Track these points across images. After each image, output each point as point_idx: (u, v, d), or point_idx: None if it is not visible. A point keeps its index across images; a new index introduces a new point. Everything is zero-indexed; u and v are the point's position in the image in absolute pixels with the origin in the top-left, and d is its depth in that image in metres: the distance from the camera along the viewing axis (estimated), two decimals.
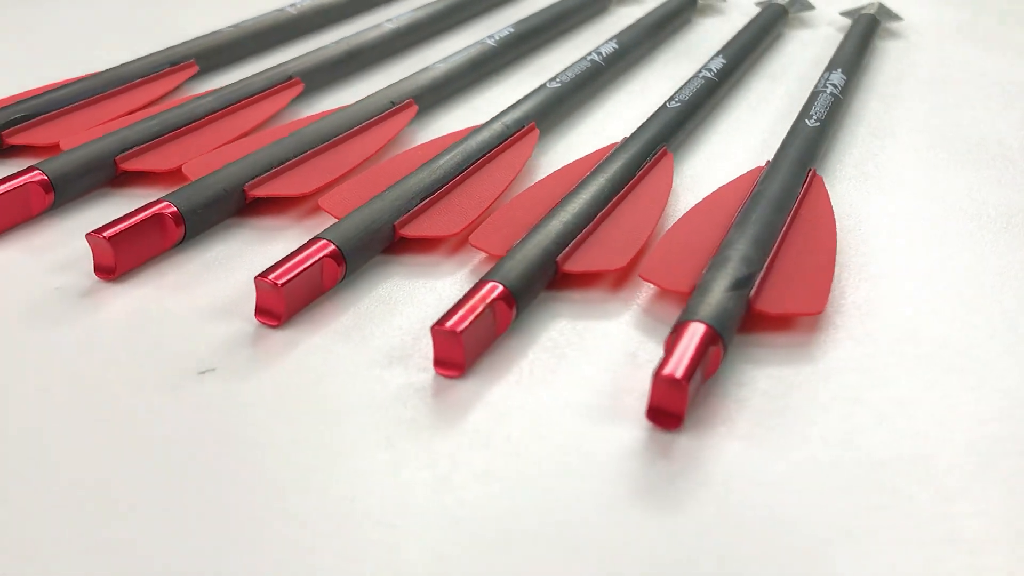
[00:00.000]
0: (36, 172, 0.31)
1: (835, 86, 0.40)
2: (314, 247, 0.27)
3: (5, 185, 0.30)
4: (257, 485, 0.22)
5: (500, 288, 0.26)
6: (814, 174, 0.34)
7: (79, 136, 0.34)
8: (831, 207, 0.32)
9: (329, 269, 0.27)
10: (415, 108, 0.37)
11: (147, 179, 0.33)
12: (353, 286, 0.29)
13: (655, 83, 0.44)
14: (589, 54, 0.42)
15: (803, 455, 0.23)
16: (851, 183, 0.35)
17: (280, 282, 0.26)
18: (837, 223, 0.32)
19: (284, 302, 0.26)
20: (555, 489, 0.22)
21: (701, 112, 0.39)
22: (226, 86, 0.37)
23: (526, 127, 0.36)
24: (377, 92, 0.38)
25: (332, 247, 0.28)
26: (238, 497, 0.21)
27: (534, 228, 0.29)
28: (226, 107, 0.36)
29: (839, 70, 0.41)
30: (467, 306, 0.26)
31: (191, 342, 0.26)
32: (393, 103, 0.37)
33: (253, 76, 0.39)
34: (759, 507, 0.22)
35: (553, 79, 0.39)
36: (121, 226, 0.28)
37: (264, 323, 0.27)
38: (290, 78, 0.39)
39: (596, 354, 0.26)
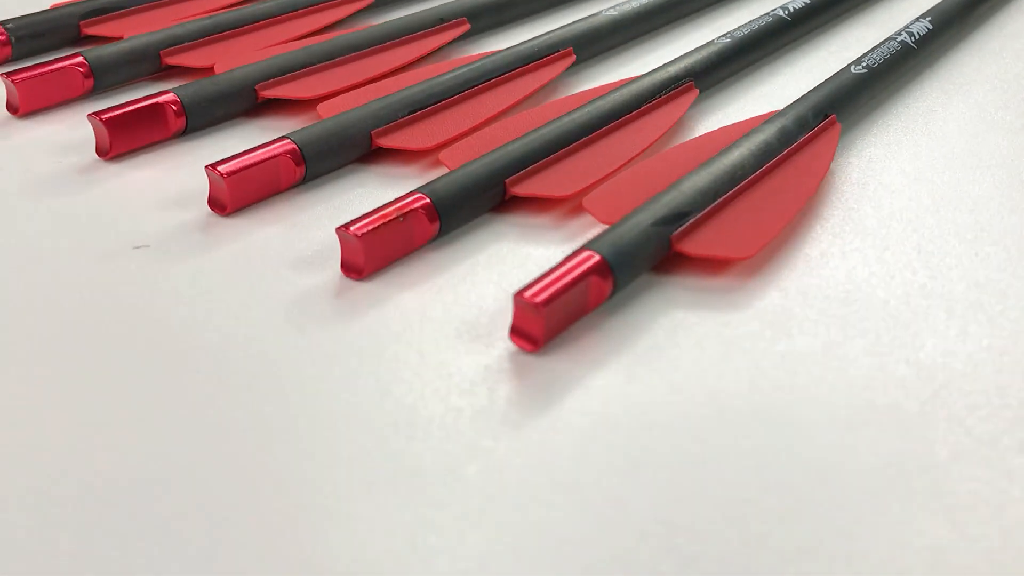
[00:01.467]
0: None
1: (912, 35, 0.37)
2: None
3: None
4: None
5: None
6: (833, 121, 0.32)
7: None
8: (831, 157, 0.30)
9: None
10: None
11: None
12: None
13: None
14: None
15: (663, 398, 0.22)
16: (884, 136, 0.33)
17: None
18: (846, 176, 0.30)
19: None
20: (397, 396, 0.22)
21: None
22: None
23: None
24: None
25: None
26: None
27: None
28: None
29: (927, 19, 0.38)
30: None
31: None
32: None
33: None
34: (599, 439, 0.21)
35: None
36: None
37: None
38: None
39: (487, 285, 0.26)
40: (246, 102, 0.33)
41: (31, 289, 0.26)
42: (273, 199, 0.29)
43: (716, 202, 0.27)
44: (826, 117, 0.32)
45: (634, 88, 0.32)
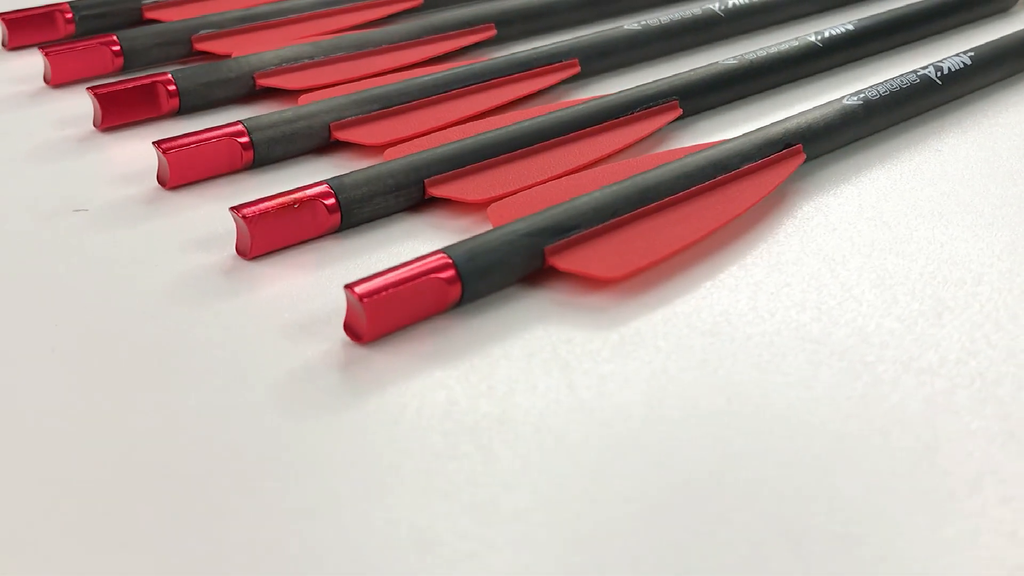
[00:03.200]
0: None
1: (941, 69, 0.34)
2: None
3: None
4: None
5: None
6: (797, 151, 0.30)
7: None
8: (771, 187, 0.29)
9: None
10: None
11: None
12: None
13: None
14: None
15: (462, 405, 0.22)
16: (865, 172, 0.31)
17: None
18: (794, 209, 0.29)
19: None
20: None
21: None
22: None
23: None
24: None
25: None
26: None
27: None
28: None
29: (968, 54, 0.35)
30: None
31: None
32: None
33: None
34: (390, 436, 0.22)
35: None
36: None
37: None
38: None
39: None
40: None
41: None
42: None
43: (611, 220, 0.27)
44: (789, 146, 0.30)
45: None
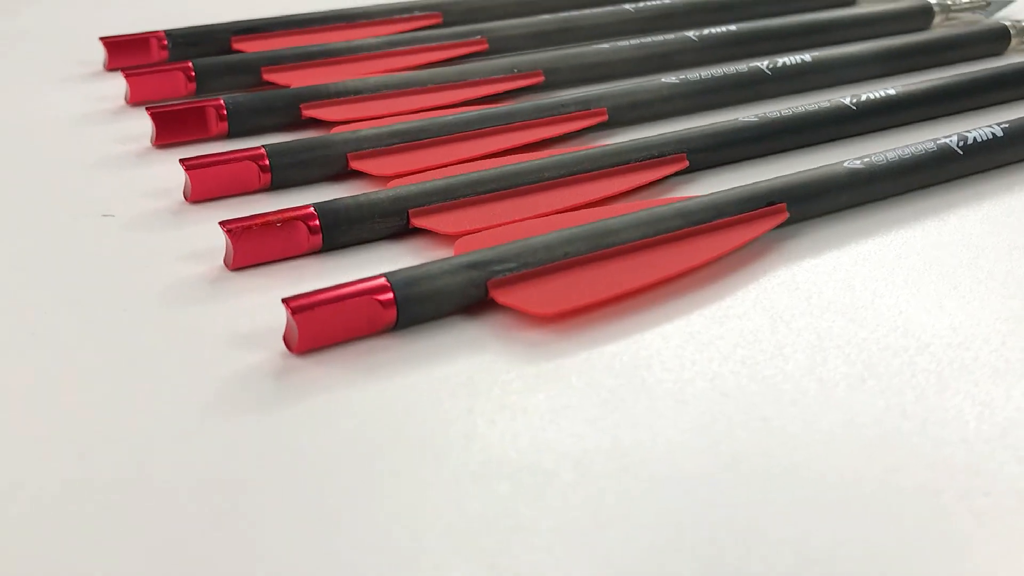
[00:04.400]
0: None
1: (964, 140, 0.34)
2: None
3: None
4: None
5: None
6: (780, 209, 0.30)
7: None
8: (741, 242, 0.29)
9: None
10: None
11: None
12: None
13: None
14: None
15: (355, 425, 0.24)
16: (858, 237, 0.31)
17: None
18: (763, 267, 0.29)
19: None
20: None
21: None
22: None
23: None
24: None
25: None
26: None
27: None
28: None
29: (1001, 125, 0.35)
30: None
31: None
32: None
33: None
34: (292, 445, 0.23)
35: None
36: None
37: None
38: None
39: None
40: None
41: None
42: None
43: (560, 260, 0.28)
44: (772, 204, 0.30)
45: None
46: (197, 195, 0.33)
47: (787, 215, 0.30)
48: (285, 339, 0.26)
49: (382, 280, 0.26)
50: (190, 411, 0.24)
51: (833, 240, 0.31)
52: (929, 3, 0.47)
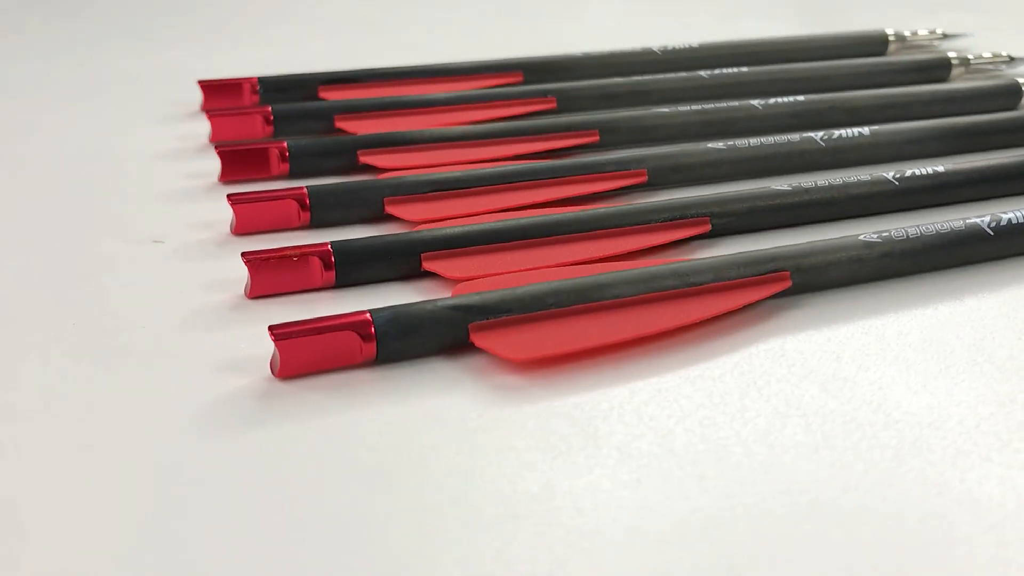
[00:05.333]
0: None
1: (999, 220, 0.33)
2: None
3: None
4: None
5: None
6: (783, 277, 0.30)
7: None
8: (733, 307, 0.30)
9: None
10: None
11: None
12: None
13: None
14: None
15: (325, 444, 0.25)
16: (865, 315, 0.31)
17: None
18: (753, 335, 0.29)
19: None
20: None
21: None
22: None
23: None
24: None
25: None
26: None
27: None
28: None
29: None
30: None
31: None
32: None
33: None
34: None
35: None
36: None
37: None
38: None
39: None
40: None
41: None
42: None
43: (544, 310, 0.28)
44: (776, 271, 0.30)
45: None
46: (241, 228, 0.35)
47: (790, 283, 0.30)
48: (271, 365, 0.27)
49: (366, 316, 0.27)
50: (167, 426, 0.26)
51: (837, 312, 0.31)
52: (1018, 83, 0.46)
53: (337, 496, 0.23)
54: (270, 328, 0.27)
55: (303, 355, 0.27)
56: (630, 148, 0.41)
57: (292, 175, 0.39)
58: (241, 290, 0.32)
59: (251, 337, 0.29)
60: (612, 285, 0.29)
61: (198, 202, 0.38)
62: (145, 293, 0.32)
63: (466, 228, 0.33)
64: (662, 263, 0.31)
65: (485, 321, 0.28)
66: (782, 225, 0.35)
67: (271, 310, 0.31)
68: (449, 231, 0.33)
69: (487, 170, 0.37)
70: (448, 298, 0.28)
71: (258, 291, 0.31)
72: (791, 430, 0.25)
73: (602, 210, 0.34)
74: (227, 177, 0.39)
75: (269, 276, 0.31)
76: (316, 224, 0.36)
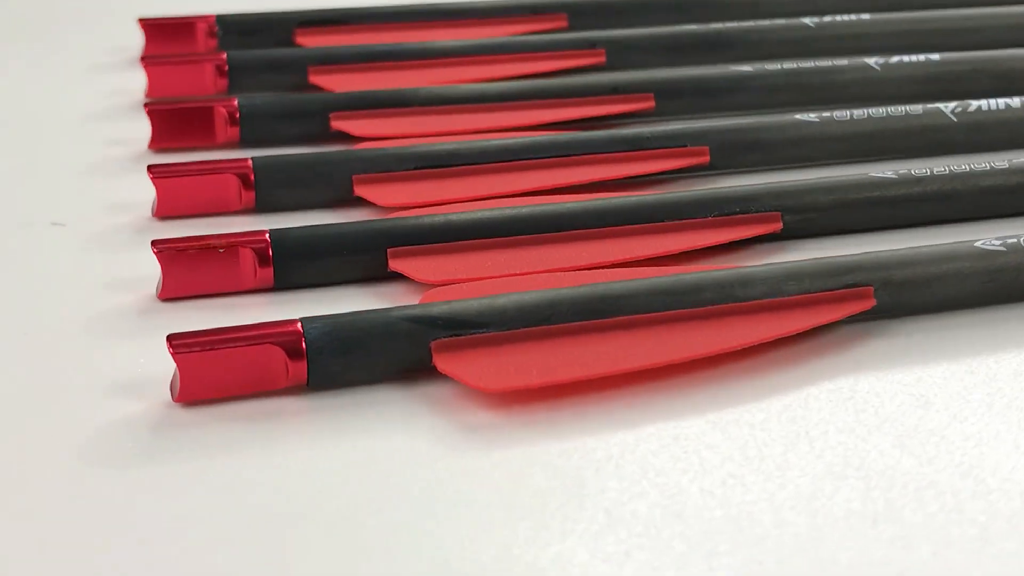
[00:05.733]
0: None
1: None
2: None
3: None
4: None
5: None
6: (864, 294, 0.30)
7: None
8: (775, 333, 0.30)
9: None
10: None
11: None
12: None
13: None
14: None
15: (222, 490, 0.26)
16: (960, 338, 0.31)
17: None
18: (828, 368, 0.30)
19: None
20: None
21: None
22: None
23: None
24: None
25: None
26: None
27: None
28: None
29: None
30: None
31: None
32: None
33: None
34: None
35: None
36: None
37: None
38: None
39: None
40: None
41: None
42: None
43: (534, 327, 0.29)
44: (854, 286, 0.31)
45: None
46: (164, 210, 0.36)
47: (873, 302, 0.30)
48: (171, 387, 0.28)
49: (296, 325, 0.28)
50: (43, 458, 0.27)
51: (934, 343, 0.31)
52: None
53: (237, 560, 0.24)
54: (169, 338, 0.28)
55: (210, 375, 0.28)
56: (695, 118, 0.41)
57: (244, 143, 0.41)
58: (154, 289, 0.32)
59: (155, 350, 0.30)
60: (630, 297, 0.30)
61: (119, 176, 0.39)
62: (33, 291, 0.33)
63: (450, 217, 0.33)
64: (699, 270, 0.31)
65: (454, 338, 0.28)
66: (880, 226, 0.35)
67: (187, 316, 0.32)
68: (428, 220, 0.33)
69: (494, 142, 0.38)
70: (407, 306, 0.29)
71: (172, 291, 0.32)
72: (844, 495, 0.25)
73: (634, 199, 0.34)
74: (159, 144, 0.40)
75: (186, 272, 0.32)
76: (263, 207, 0.37)
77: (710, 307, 0.30)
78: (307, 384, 0.28)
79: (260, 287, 0.33)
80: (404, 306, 0.29)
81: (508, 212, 0.34)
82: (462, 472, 0.26)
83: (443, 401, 0.28)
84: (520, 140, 0.38)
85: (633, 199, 0.34)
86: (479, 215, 0.34)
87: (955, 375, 0.30)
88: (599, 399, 0.28)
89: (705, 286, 0.30)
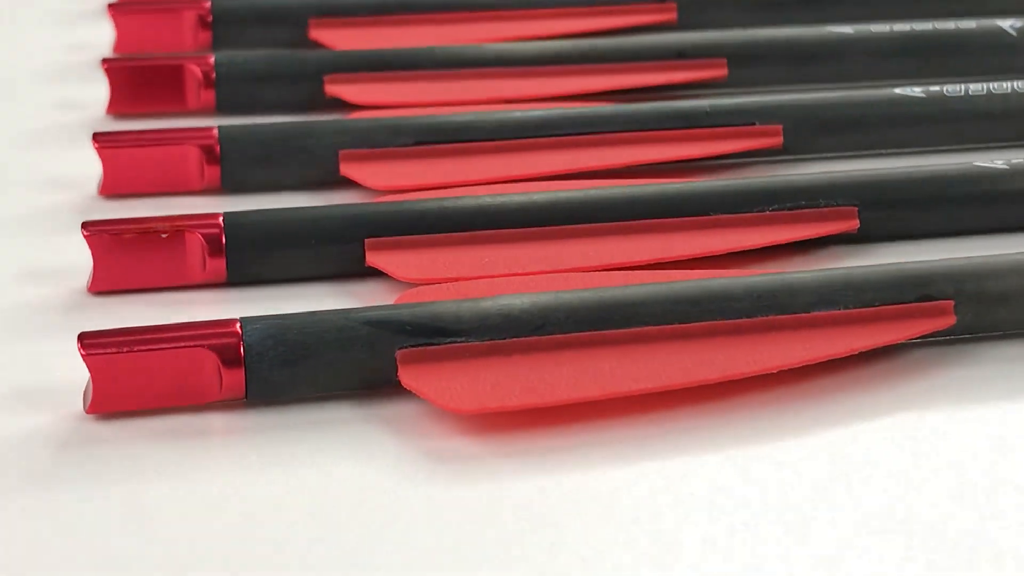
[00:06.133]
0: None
1: None
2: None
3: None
4: None
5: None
6: (942, 309, 0.31)
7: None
8: (832, 354, 0.30)
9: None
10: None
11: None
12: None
13: None
14: None
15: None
16: None
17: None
18: (887, 400, 0.30)
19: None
20: None
21: None
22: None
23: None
24: None
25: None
26: None
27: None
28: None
29: None
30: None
31: None
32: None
33: None
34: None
35: None
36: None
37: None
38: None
39: None
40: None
41: None
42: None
43: (526, 337, 0.30)
44: (929, 299, 0.31)
45: None
46: (111, 187, 0.37)
47: (953, 320, 0.31)
48: (85, 395, 0.30)
49: (234, 327, 0.29)
50: None
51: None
52: None
53: None
54: (81, 337, 0.29)
55: (128, 382, 0.29)
56: (774, 91, 0.42)
57: (221, 109, 0.42)
58: (85, 281, 0.34)
59: (73, 353, 0.31)
60: (642, 306, 0.30)
61: (67, 145, 0.41)
62: None
63: (445, 203, 0.34)
64: (734, 275, 0.31)
65: (424, 348, 0.29)
66: (977, 229, 0.36)
67: (120, 313, 0.33)
68: (416, 206, 0.34)
69: (513, 114, 0.39)
70: (370, 308, 0.30)
71: (104, 283, 0.33)
72: (878, 553, 0.26)
73: (673, 187, 0.35)
74: (118, 108, 0.42)
75: (122, 261, 0.33)
76: (231, 187, 0.38)
77: (743, 320, 0.30)
78: (245, 397, 0.29)
79: (211, 281, 0.34)
80: (367, 308, 0.30)
81: (516, 199, 0.34)
82: (418, 508, 0.27)
83: (408, 423, 0.29)
84: (545, 112, 0.39)
85: (671, 187, 0.35)
86: (480, 201, 0.34)
87: None
88: (595, 427, 0.29)
89: (737, 295, 0.31)
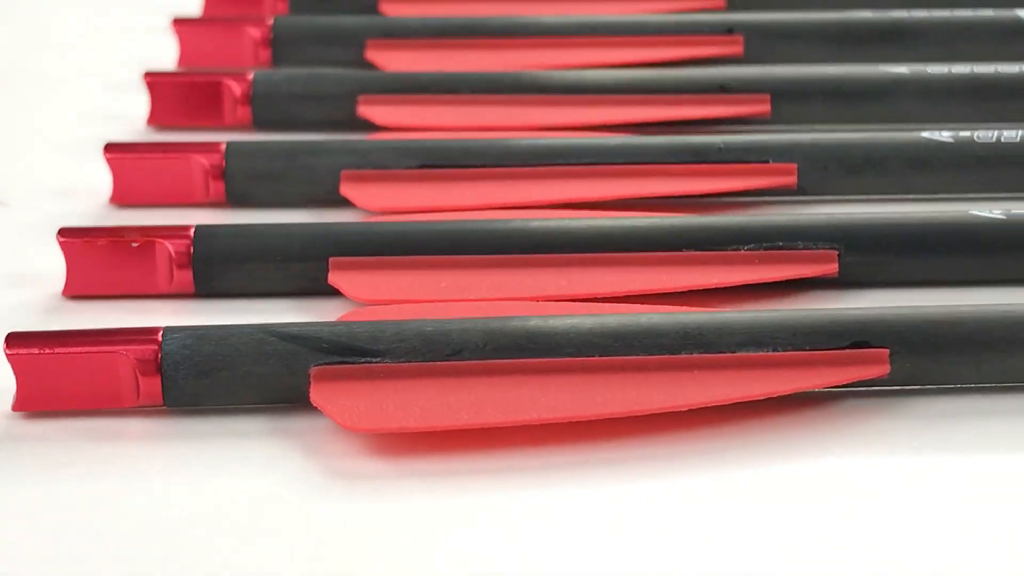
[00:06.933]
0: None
1: None
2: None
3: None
4: None
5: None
6: (876, 357, 0.31)
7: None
8: (753, 394, 0.31)
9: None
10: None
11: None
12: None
13: None
14: None
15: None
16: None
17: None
18: (806, 442, 0.31)
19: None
20: None
21: None
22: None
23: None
24: None
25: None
26: None
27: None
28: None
29: None
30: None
31: None
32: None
33: None
34: None
35: None
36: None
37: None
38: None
39: None
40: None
41: None
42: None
43: (439, 362, 0.31)
44: (863, 346, 0.32)
45: None
46: (120, 197, 0.40)
47: (888, 368, 0.31)
48: (14, 393, 0.32)
49: (156, 335, 0.31)
50: None
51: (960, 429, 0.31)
52: None
53: None
54: (8, 338, 0.31)
55: (49, 382, 0.31)
56: (809, 129, 0.42)
57: (257, 125, 0.44)
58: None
59: None
60: (566, 336, 0.31)
61: (99, 155, 0.43)
62: None
63: (418, 227, 0.36)
64: (666, 311, 0.32)
65: (339, 366, 0.31)
66: (967, 281, 0.36)
67: (92, 318, 0.35)
68: (386, 228, 0.36)
69: (520, 142, 0.40)
70: (289, 324, 0.32)
71: (76, 288, 0.36)
72: None
73: (647, 221, 0.36)
74: (158, 121, 0.44)
75: (94, 268, 0.35)
76: (235, 201, 0.40)
77: (665, 356, 0.31)
78: (164, 404, 0.31)
79: (179, 292, 0.36)
80: (289, 323, 0.32)
81: (488, 225, 0.36)
82: (313, 523, 0.28)
83: (318, 440, 0.31)
84: (553, 141, 0.40)
85: (640, 220, 0.36)
86: (455, 226, 0.36)
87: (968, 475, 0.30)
88: (504, 454, 0.30)
89: (664, 331, 0.31)
